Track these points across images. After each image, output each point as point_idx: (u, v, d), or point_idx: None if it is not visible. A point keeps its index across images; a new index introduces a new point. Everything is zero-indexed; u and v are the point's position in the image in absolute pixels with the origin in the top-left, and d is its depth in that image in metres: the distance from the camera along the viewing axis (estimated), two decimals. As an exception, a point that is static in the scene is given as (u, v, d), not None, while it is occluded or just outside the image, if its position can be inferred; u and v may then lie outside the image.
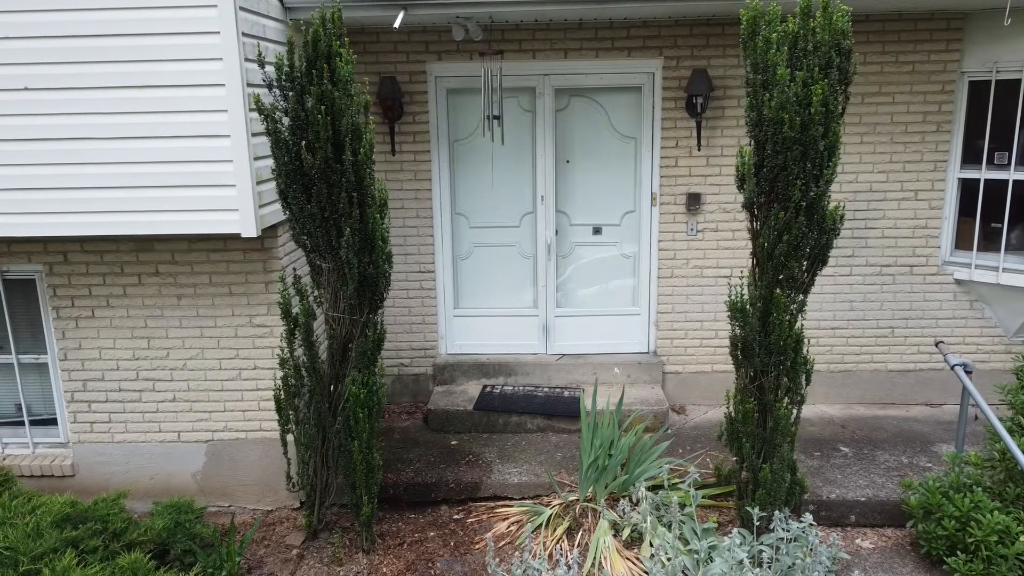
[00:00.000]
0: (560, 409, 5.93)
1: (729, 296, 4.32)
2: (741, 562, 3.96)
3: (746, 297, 4.27)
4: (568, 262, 6.46)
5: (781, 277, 4.19)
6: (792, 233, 4.02)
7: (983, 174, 5.87)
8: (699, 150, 5.96)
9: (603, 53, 5.92)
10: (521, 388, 6.29)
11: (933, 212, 6.06)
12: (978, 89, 5.84)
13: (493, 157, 6.20)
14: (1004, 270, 5.85)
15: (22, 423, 5.38)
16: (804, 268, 4.22)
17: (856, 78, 5.82)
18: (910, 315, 6.23)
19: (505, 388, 6.30)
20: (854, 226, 6.09)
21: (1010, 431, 4.56)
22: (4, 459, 5.31)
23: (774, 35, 3.93)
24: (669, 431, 5.88)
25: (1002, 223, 5.84)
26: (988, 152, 5.83)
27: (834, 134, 3.94)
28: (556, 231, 6.36)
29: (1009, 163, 5.74)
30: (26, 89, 4.31)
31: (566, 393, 6.17)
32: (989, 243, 5.98)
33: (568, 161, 6.26)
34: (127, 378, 5.16)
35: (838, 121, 3.97)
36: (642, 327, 6.46)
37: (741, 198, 4.32)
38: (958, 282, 6.14)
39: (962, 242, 6.12)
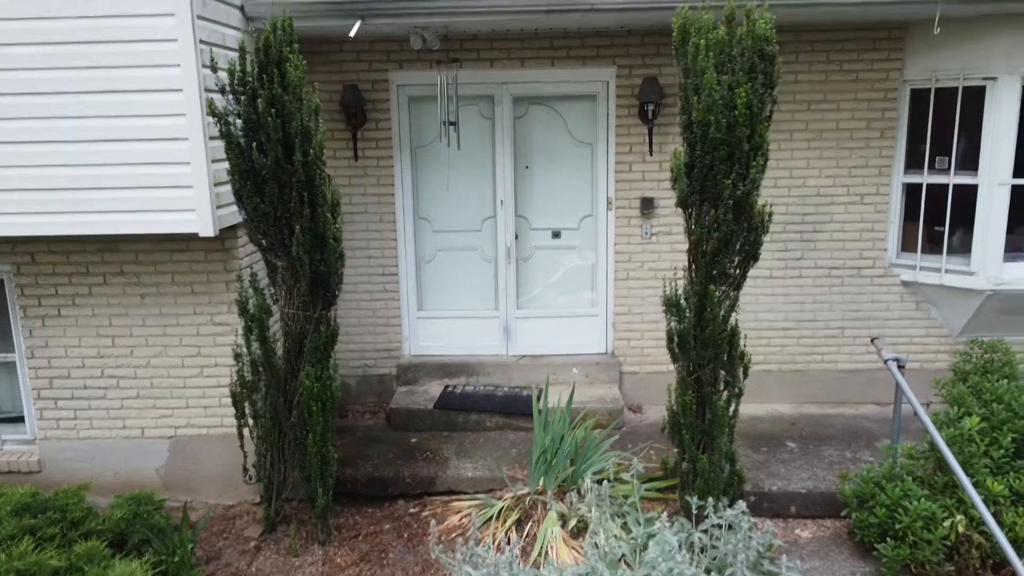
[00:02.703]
0: (518, 407, 6.09)
1: (664, 291, 4.51)
2: (673, 547, 4.11)
3: (680, 292, 4.46)
4: (529, 265, 6.65)
5: (714, 272, 4.37)
6: (722, 230, 4.21)
7: (925, 178, 6.09)
8: (651, 155, 6.17)
9: (559, 62, 6.14)
10: (482, 388, 6.46)
11: (879, 215, 6.27)
12: (919, 96, 6.07)
13: (449, 162, 6.40)
14: (947, 271, 6.05)
15: (-10, 420, 5.53)
16: (736, 264, 4.40)
17: (802, 86, 6.06)
18: (859, 316, 6.42)
19: (466, 388, 6.47)
20: (803, 229, 6.29)
21: (942, 423, 4.74)
22: (-28, 455, 5.46)
23: (702, 41, 4.13)
24: (624, 428, 6.05)
25: (944, 226, 6.04)
26: (929, 157, 6.05)
27: (760, 135, 4.14)
28: (516, 235, 6.55)
29: (949, 168, 5.96)
30: (-9, 94, 4.50)
31: (525, 392, 6.33)
32: (934, 245, 6.18)
33: (527, 167, 6.47)
34: (92, 375, 5.32)
35: (765, 123, 4.18)
36: (600, 328, 6.64)
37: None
38: (904, 284, 6.34)
39: (908, 245, 6.33)
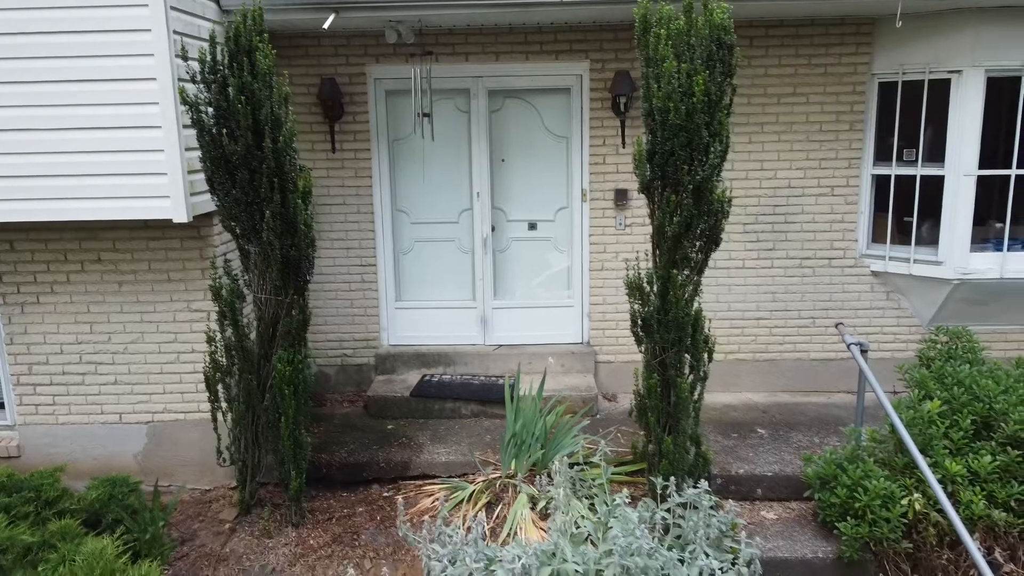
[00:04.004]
0: (494, 395, 6.18)
1: (626, 274, 4.60)
2: (633, 523, 4.19)
3: (642, 275, 4.55)
4: (505, 256, 6.75)
5: (677, 257, 4.47)
6: (682, 214, 4.30)
7: (894, 170, 6.19)
8: (624, 147, 6.28)
9: (533, 56, 6.24)
10: (459, 377, 6.55)
11: (849, 207, 6.37)
12: (887, 89, 6.18)
13: (427, 155, 6.52)
14: (915, 261, 6.15)
15: (-29, 407, 5.62)
16: (698, 248, 4.50)
17: (772, 79, 6.17)
18: (830, 306, 6.52)
19: (443, 377, 6.56)
20: (774, 220, 6.40)
21: (904, 407, 4.83)
22: (-48, 441, 5.54)
23: (663, 31, 4.24)
24: (598, 416, 6.15)
25: (913, 217, 6.14)
26: (898, 149, 6.16)
27: (719, 123, 4.24)
28: (493, 227, 6.65)
29: (917, 159, 6.07)
30: (-32, 83, 4.60)
31: (501, 381, 6.41)
32: (903, 236, 6.29)
33: (504, 160, 6.57)
34: (71, 361, 5.41)
35: (724, 111, 4.28)
36: (576, 318, 6.74)
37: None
38: (875, 274, 6.44)
39: (878, 235, 6.43)
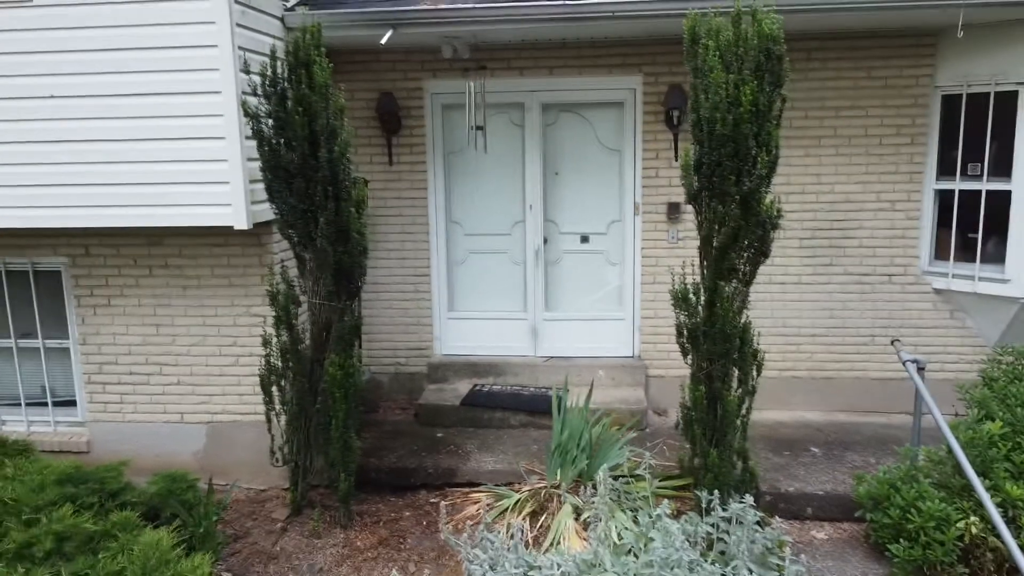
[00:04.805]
0: (542, 406, 6.20)
1: (672, 286, 4.59)
2: (675, 535, 4.16)
3: (688, 286, 4.54)
4: (557, 268, 6.79)
5: (724, 268, 4.44)
6: (729, 225, 4.28)
7: (957, 185, 6.02)
8: (677, 161, 6.26)
9: (586, 70, 6.31)
10: (509, 387, 6.60)
11: (910, 222, 6.21)
12: (951, 102, 6.02)
13: (481, 168, 6.64)
14: (980, 279, 5.95)
15: (46, 404, 5.92)
16: (745, 260, 4.46)
17: (829, 92, 6.09)
18: (890, 324, 6.34)
19: (494, 387, 6.62)
20: (832, 236, 6.28)
21: (964, 427, 4.67)
22: (29, 435, 5.84)
23: (711, 43, 4.25)
24: (647, 430, 6.11)
25: (977, 233, 5.95)
26: (962, 163, 5.98)
27: (767, 133, 4.21)
28: (545, 239, 6.71)
29: (982, 174, 5.88)
30: (52, 97, 4.91)
31: (550, 392, 6.43)
32: (967, 253, 6.09)
33: (557, 173, 6.63)
34: (137, 362, 5.67)
35: (773, 121, 4.25)
36: (627, 332, 6.73)
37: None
38: (937, 291, 6.25)
39: (941, 252, 6.24)
